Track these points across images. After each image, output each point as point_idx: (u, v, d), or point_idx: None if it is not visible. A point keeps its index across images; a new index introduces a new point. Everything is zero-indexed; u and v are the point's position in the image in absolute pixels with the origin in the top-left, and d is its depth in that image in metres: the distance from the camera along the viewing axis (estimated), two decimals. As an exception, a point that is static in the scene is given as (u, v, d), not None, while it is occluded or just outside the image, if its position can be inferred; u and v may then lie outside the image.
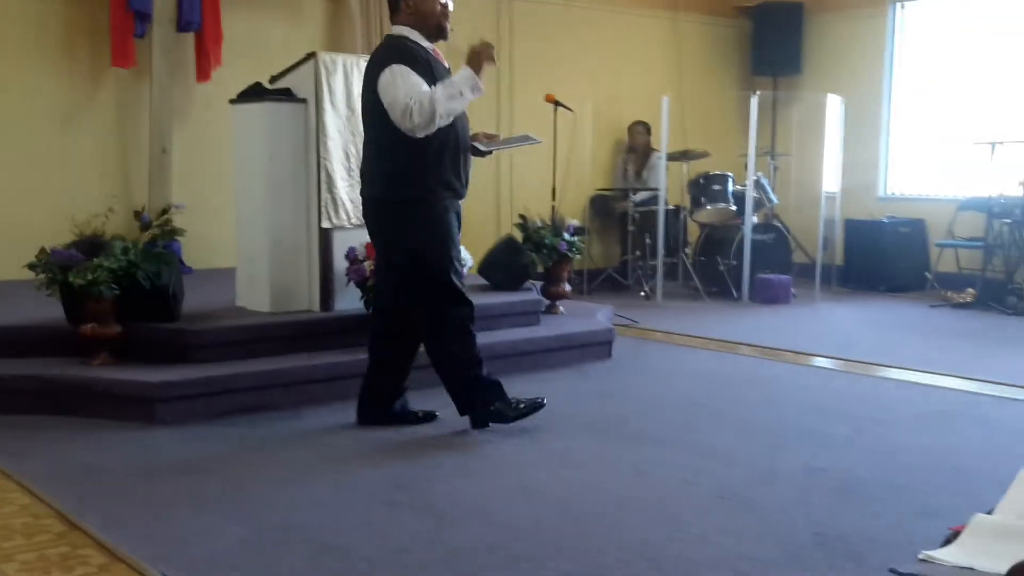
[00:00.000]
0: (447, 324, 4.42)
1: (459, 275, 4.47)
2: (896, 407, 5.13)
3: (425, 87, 4.19)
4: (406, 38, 4.38)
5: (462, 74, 4.24)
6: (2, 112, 6.78)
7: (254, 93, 5.46)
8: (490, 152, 4.80)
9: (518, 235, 6.66)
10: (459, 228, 4.50)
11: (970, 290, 8.45)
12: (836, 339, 7.02)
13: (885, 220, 9.49)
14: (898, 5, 9.84)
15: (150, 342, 4.96)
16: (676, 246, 9.13)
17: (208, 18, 7.22)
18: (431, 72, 4.30)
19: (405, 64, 4.23)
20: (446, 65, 4.50)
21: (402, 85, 4.19)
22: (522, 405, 4.51)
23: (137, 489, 3.75)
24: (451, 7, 4.43)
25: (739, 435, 4.56)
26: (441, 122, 4.21)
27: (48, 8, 6.89)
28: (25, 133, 6.86)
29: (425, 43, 4.39)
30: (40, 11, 6.86)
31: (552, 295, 6.66)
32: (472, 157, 4.57)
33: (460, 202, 4.53)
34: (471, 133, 4.58)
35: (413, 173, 4.30)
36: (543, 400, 4.57)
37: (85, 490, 3.70)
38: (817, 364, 6.31)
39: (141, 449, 4.23)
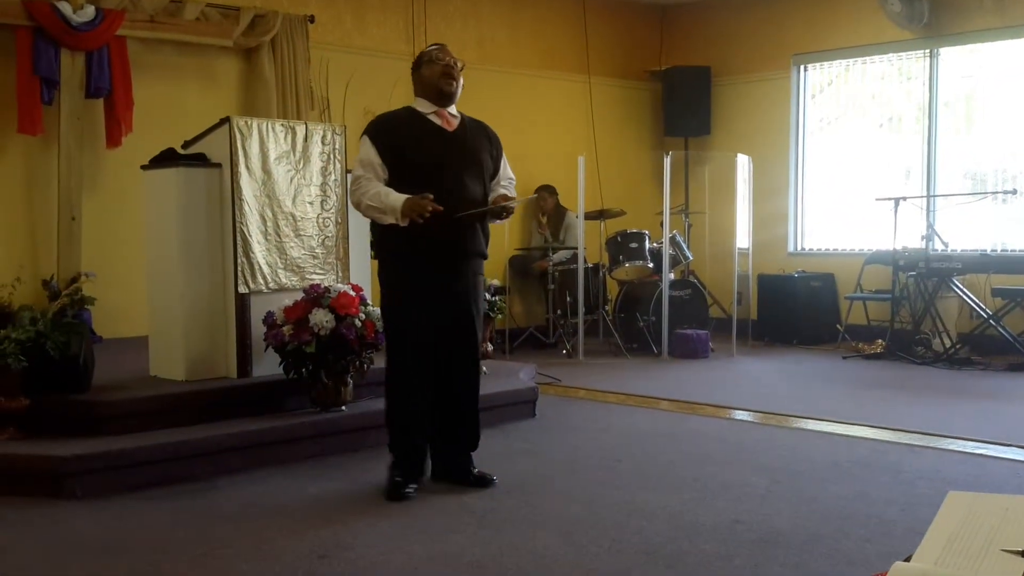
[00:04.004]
0: None
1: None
2: (812, 457, 5.21)
3: (374, 172, 4.36)
4: (411, 107, 4.53)
5: (394, 203, 4.26)
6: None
7: (167, 158, 5.41)
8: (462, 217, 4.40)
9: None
10: (447, 283, 4.47)
11: (880, 341, 8.66)
12: (753, 392, 7.13)
13: (796, 275, 9.71)
14: (800, 67, 10.18)
15: (60, 414, 4.82)
16: (596, 303, 9.22)
17: (118, 84, 7.14)
18: (413, 141, 4.40)
19: (371, 136, 4.43)
20: (451, 129, 4.48)
21: (360, 156, 4.44)
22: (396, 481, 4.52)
23: (43, 571, 3.61)
24: (457, 66, 4.48)
25: (662, 490, 4.58)
26: (364, 215, 4.46)
27: (-49, 74, 6.76)
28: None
29: (432, 109, 4.48)
30: (-56, 77, 6.73)
31: (473, 356, 6.64)
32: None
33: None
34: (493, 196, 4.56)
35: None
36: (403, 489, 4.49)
37: (-11, 572, 3.56)
38: (735, 417, 6.39)
39: (49, 527, 4.08)
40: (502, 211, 4.49)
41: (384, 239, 4.47)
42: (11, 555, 3.77)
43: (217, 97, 7.87)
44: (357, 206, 4.45)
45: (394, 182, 4.36)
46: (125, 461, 4.59)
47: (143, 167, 5.51)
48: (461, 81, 4.51)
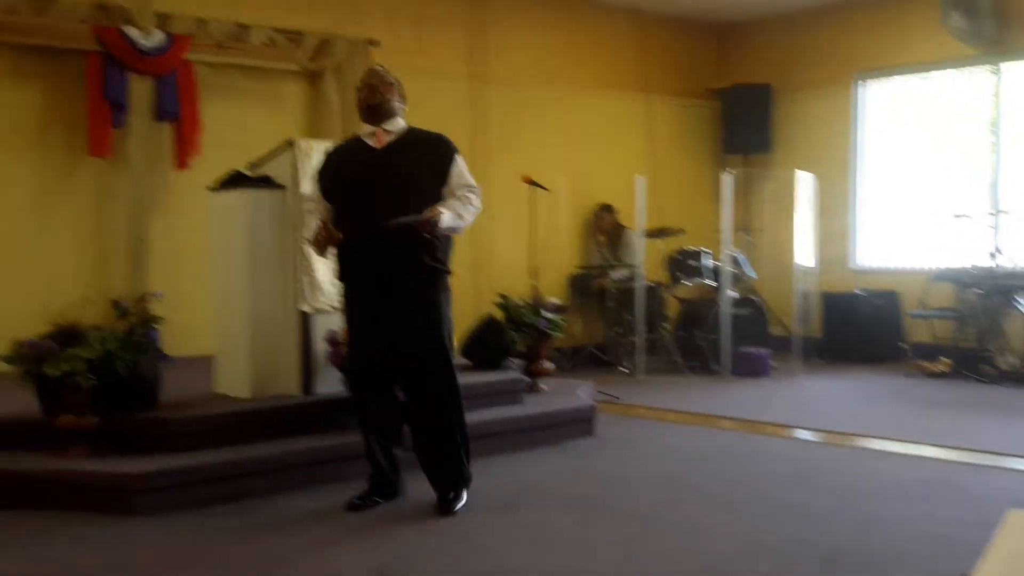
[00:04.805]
0: None
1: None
2: (876, 477, 5.14)
3: (321, 205, 4.63)
4: (354, 133, 4.73)
5: (314, 224, 4.58)
6: (-22, 202, 6.80)
7: (233, 181, 5.51)
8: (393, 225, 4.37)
9: (499, 314, 6.68)
10: (380, 300, 4.56)
11: (944, 360, 8.52)
12: (815, 411, 7.05)
13: (859, 293, 9.59)
14: (861, 83, 10.08)
15: (127, 431, 4.91)
16: (655, 322, 9.19)
17: (186, 107, 7.31)
18: (341, 165, 4.60)
19: (317, 171, 4.73)
20: (379, 146, 4.52)
21: None
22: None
23: (115, 583, 3.69)
24: (374, 83, 4.54)
25: (722, 510, 4.55)
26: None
27: (25, 98, 6.94)
28: (1, 221, 6.87)
29: (369, 130, 4.57)
30: (17, 100, 6.91)
31: (533, 373, 6.67)
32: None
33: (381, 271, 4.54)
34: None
35: None
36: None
37: (62, 585, 3.64)
38: (797, 436, 6.33)
39: (118, 543, 4.16)
40: (424, 224, 4.34)
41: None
42: (80, 571, 3.85)
43: (282, 120, 8.01)
44: None
45: (333, 206, 4.58)
46: (191, 478, 4.68)
47: (210, 189, 5.62)
48: (388, 96, 4.53)
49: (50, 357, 4.65)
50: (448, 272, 4.62)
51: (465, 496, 4.60)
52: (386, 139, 4.54)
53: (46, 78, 6.98)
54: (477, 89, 9.18)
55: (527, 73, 9.54)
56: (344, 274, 4.62)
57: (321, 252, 4.54)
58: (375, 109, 4.53)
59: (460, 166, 4.58)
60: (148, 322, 5.35)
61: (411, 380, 4.61)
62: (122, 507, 4.50)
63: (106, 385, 4.76)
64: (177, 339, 7.13)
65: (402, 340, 4.52)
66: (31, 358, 4.69)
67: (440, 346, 4.55)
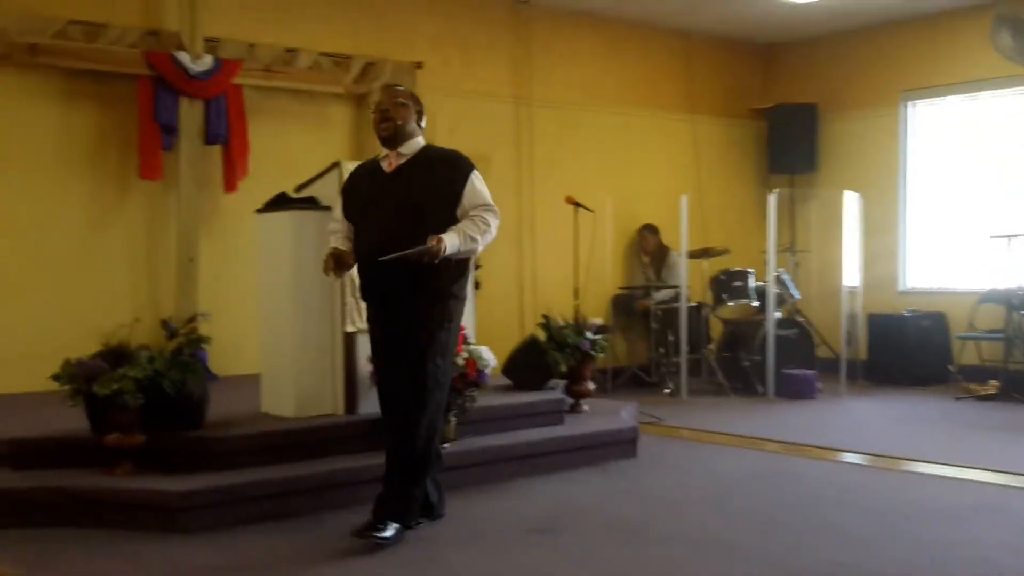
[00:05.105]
0: None
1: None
2: (922, 501, 5.08)
3: (343, 224, 4.64)
4: (374, 157, 4.67)
5: (329, 244, 4.62)
6: (33, 222, 6.94)
7: (279, 202, 5.59)
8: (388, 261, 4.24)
9: (541, 335, 6.70)
10: (386, 323, 4.53)
11: (993, 382, 8.40)
12: (862, 434, 6.97)
13: (906, 314, 9.48)
14: (909, 103, 10.00)
15: (174, 449, 4.99)
16: (699, 342, 9.15)
17: (235, 130, 7.43)
18: (357, 188, 4.61)
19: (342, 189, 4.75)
20: (389, 170, 4.49)
21: None
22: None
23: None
24: (386, 107, 4.45)
25: (765, 533, 4.52)
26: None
27: (78, 121, 7.10)
28: (54, 243, 7.02)
29: (384, 152, 4.54)
30: (71, 124, 7.07)
31: (575, 394, 6.67)
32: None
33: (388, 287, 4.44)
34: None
35: None
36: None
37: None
38: (843, 459, 6.26)
39: (161, 560, 4.21)
40: (422, 255, 4.18)
41: None
42: (127, 584, 3.92)
43: (329, 142, 8.11)
44: None
45: (352, 225, 4.60)
46: (235, 496, 4.74)
47: (257, 211, 5.70)
48: (403, 120, 4.45)
49: (100, 376, 4.74)
50: (456, 298, 4.47)
51: (391, 531, 4.29)
52: (397, 163, 4.48)
53: (99, 102, 7.15)
54: (522, 110, 9.23)
55: (572, 94, 9.58)
56: (363, 294, 4.65)
57: (336, 276, 4.60)
58: (388, 140, 4.48)
59: (475, 185, 4.43)
60: (196, 342, 5.42)
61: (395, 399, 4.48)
62: (167, 524, 4.57)
63: (154, 404, 4.84)
64: (225, 359, 7.27)
65: (401, 368, 4.41)
66: (81, 377, 4.79)
67: (421, 372, 4.36)
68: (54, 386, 4.90)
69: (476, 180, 4.43)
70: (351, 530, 4.33)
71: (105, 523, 4.61)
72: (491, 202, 4.45)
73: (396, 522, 4.34)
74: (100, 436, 4.83)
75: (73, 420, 5.01)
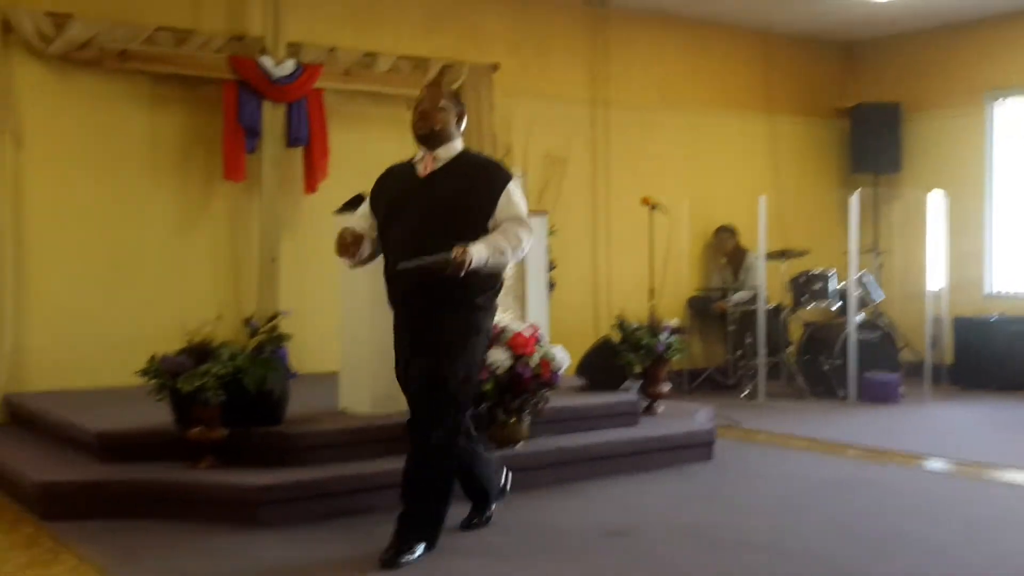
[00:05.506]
0: None
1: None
2: (1010, 510, 4.95)
3: (366, 221, 4.38)
4: (410, 158, 4.42)
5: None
6: (120, 222, 7.13)
7: (355, 203, 5.65)
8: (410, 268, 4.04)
9: (616, 336, 6.69)
10: (408, 331, 4.32)
11: (1087, 388, 8.15)
12: (947, 440, 6.82)
13: (994, 318, 9.25)
14: (995, 102, 9.75)
15: (254, 445, 5.10)
16: (778, 345, 9.03)
17: (316, 133, 7.55)
18: (390, 190, 4.34)
19: (372, 189, 4.46)
20: (423, 174, 4.27)
21: None
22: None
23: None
24: (426, 108, 4.26)
25: (843, 541, 4.45)
26: None
27: (165, 122, 7.28)
28: (142, 243, 7.20)
29: (420, 155, 4.34)
30: (158, 127, 7.25)
31: (650, 396, 6.64)
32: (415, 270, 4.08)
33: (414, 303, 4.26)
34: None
35: None
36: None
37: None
38: (927, 466, 6.13)
39: (241, 555, 4.29)
40: (444, 266, 3.94)
41: None
42: (208, 577, 4.01)
43: (406, 144, 8.07)
44: None
45: (377, 224, 4.35)
46: (313, 491, 4.83)
47: (335, 212, 5.79)
48: (441, 125, 4.25)
49: (184, 373, 4.87)
50: (482, 309, 4.24)
51: (419, 551, 4.17)
52: (432, 166, 4.27)
53: (185, 105, 7.32)
54: (598, 112, 9.21)
55: (649, 95, 9.53)
56: (389, 298, 4.39)
57: (349, 257, 4.26)
58: (426, 139, 4.27)
59: (512, 196, 4.19)
60: (277, 340, 5.53)
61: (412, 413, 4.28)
62: (246, 518, 4.67)
63: (235, 400, 4.96)
64: (306, 356, 7.40)
65: (416, 379, 4.20)
66: (166, 373, 4.92)
67: (438, 388, 4.14)
68: (141, 381, 5.05)
69: (514, 192, 4.21)
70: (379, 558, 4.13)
71: (187, 516, 4.73)
72: (526, 217, 4.21)
73: (422, 542, 4.20)
74: (184, 431, 4.96)
75: (159, 415, 5.14)
